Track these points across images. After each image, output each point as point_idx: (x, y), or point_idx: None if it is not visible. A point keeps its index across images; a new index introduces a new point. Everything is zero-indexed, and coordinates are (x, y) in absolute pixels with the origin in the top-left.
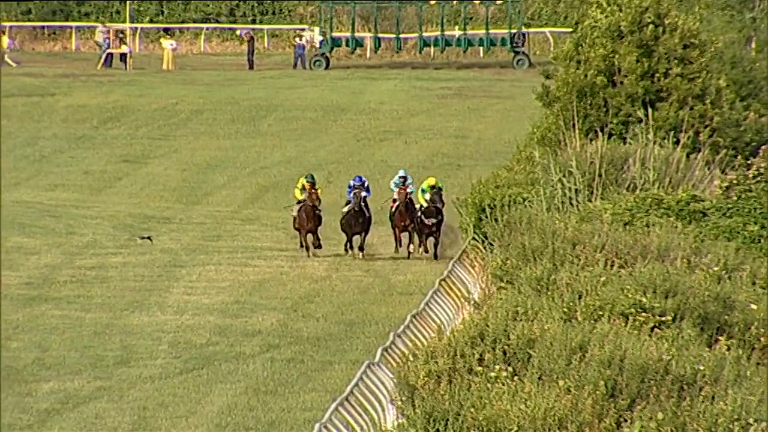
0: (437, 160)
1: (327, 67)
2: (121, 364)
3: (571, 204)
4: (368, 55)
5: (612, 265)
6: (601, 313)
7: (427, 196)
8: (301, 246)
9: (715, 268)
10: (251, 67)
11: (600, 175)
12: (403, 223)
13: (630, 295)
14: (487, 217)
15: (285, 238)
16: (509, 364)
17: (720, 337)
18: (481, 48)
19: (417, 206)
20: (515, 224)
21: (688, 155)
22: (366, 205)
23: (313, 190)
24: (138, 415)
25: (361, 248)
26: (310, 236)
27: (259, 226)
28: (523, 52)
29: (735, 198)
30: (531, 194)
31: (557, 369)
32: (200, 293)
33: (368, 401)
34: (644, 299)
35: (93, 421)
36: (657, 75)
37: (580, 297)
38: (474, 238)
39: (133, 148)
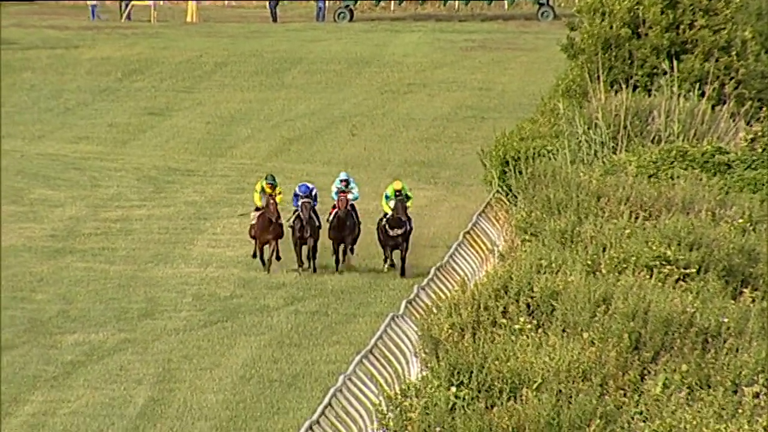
0: (461, 113)
1: (351, 20)
2: (145, 317)
3: (596, 156)
4: (392, 8)
5: (636, 218)
6: (625, 265)
7: (392, 203)
8: (254, 256)
9: (740, 221)
10: (275, 20)
11: (625, 128)
12: (340, 234)
13: (654, 248)
14: (511, 169)
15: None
16: (533, 317)
17: (744, 290)
18: (505, 0)
19: (383, 215)
20: (539, 177)
21: (713, 107)
22: (316, 215)
23: (272, 199)
24: (162, 367)
25: (310, 259)
26: (267, 247)
27: (284, 179)
28: (548, 4)
29: (760, 150)
30: (555, 147)
31: (581, 321)
32: (224, 246)
33: (392, 354)
34: (669, 252)
35: (118, 373)
36: (682, 27)
37: (604, 249)
38: (498, 191)
39: (158, 101)
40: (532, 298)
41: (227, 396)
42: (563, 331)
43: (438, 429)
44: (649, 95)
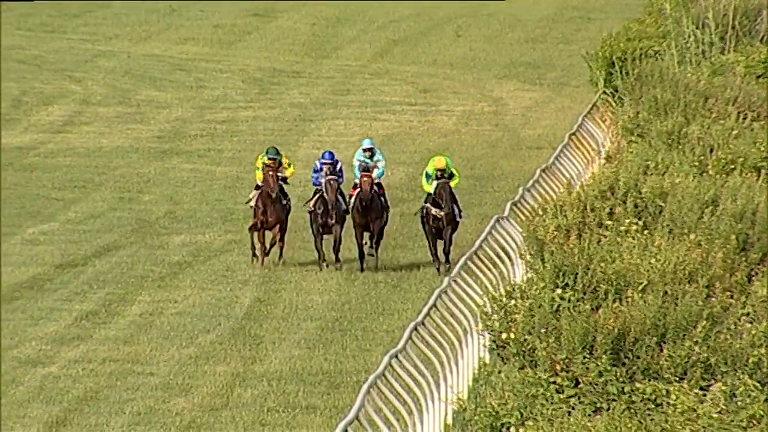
0: (567, 13)
1: None
2: (251, 218)
3: (704, 57)
4: None
5: (744, 118)
6: (732, 166)
7: (434, 184)
8: (254, 255)
9: None
10: None
11: (733, 27)
12: (364, 220)
13: (762, 148)
14: (617, 70)
15: (414, 92)
16: (640, 218)
17: None
18: None
19: (426, 196)
20: (646, 78)
21: None
22: (342, 196)
23: (270, 171)
24: (268, 268)
25: (336, 253)
26: (268, 235)
27: (388, 80)
28: None
29: None
30: (662, 47)
31: (688, 223)
32: (329, 147)
33: (497, 255)
34: None
35: (224, 274)
36: None
37: (711, 150)
38: (604, 92)
39: (263, 2)
40: (639, 199)
41: (332, 297)
42: (670, 232)
43: (543, 330)
44: None
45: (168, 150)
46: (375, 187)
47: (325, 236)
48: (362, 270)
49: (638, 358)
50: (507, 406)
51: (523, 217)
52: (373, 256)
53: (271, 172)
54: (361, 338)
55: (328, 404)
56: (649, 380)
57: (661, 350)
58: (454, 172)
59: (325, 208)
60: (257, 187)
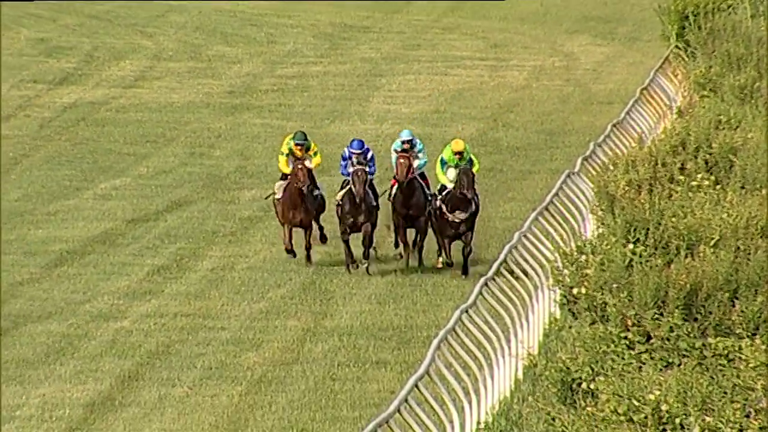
0: None
1: None
2: (322, 173)
3: None
4: None
5: None
6: None
7: (451, 173)
8: (288, 251)
9: None
10: None
11: None
12: (404, 210)
13: None
14: (690, 24)
15: (485, 47)
16: (711, 173)
17: None
18: None
19: (438, 189)
20: (719, 31)
21: None
22: (373, 189)
23: (300, 164)
24: (336, 223)
25: (365, 253)
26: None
27: (459, 35)
28: None
29: None
30: (735, 1)
31: (760, 178)
32: (400, 102)
33: (568, 211)
34: None
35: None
36: None
37: None
38: (676, 47)
39: None
40: (710, 154)
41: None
42: (742, 187)
43: (614, 286)
44: None
45: (239, 105)
46: (418, 178)
47: (353, 234)
48: (408, 265)
49: (710, 313)
50: (578, 362)
51: (594, 172)
52: (415, 259)
53: (300, 165)
54: (432, 293)
55: (399, 359)
56: (721, 336)
57: (733, 306)
58: (473, 158)
59: (352, 203)
60: (283, 177)
